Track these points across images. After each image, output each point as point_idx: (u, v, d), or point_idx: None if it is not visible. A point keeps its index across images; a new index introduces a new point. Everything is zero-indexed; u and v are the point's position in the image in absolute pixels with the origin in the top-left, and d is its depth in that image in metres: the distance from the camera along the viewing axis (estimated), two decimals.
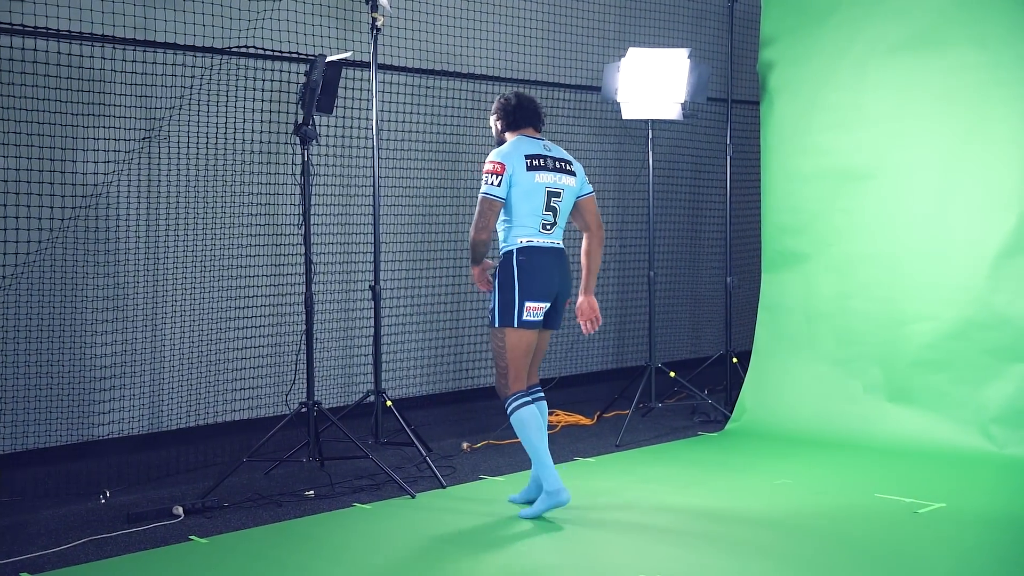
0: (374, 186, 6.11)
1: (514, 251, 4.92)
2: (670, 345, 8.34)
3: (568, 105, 7.76)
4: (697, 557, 4.47)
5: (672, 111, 6.87)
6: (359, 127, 6.77)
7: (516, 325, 4.91)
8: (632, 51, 6.76)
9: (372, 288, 6.15)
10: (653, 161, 7.12)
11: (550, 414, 7.19)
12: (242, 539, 4.77)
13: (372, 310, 6.23)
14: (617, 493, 5.47)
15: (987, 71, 6.14)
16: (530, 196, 4.90)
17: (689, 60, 6.79)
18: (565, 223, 5.07)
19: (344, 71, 6.40)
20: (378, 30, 5.97)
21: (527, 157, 4.93)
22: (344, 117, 6.70)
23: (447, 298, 7.30)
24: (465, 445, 6.41)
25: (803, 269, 6.91)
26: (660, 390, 7.32)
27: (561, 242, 5.03)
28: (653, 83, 6.76)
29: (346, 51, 6.25)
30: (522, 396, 4.98)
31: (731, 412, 7.00)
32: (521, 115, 5.05)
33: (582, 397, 7.60)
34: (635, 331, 8.23)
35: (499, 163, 4.89)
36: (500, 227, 5.01)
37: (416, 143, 7.09)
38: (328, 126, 6.62)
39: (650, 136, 7.02)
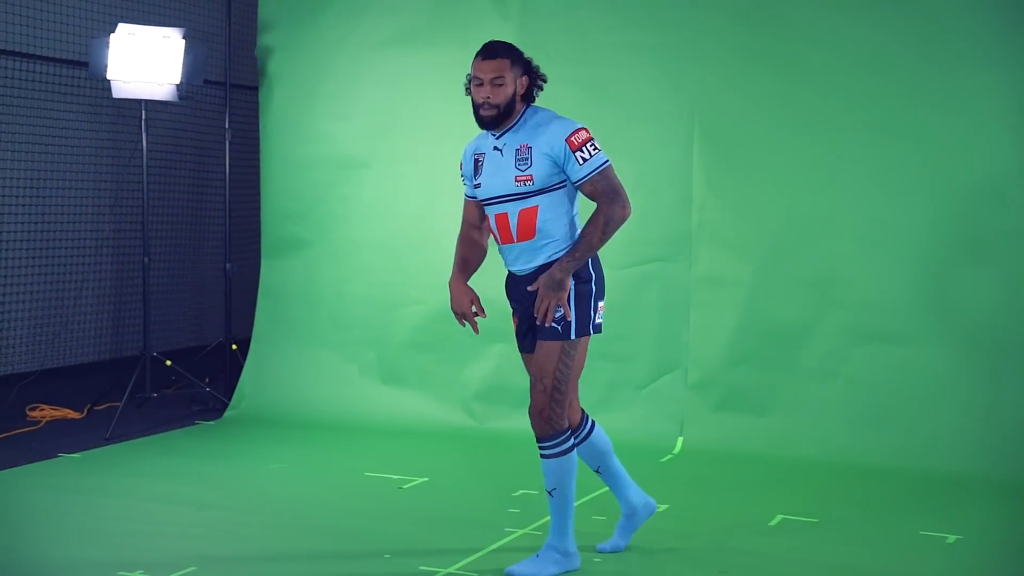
0: None
1: None
2: (169, 333, 8.09)
3: (52, 81, 7.24)
4: (179, 549, 4.37)
5: (167, 92, 6.66)
6: None
7: (592, 331, 4.06)
8: (122, 27, 6.46)
9: None
10: (148, 143, 6.87)
11: (33, 409, 6.73)
12: None
13: None
14: (106, 488, 5.23)
15: (467, 70, 6.52)
16: None
17: (185, 40, 6.61)
18: None
19: None
20: None
21: None
22: None
23: None
24: None
25: (303, 255, 6.99)
26: (159, 380, 7.08)
27: None
28: (146, 62, 6.51)
29: None
30: (571, 434, 4.08)
31: (230, 399, 6.93)
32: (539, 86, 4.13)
33: (72, 389, 7.17)
34: (131, 319, 7.89)
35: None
36: (559, 219, 4.01)
37: None
38: None
39: (143, 117, 6.76)
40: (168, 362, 6.93)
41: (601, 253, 6.27)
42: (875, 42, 5.81)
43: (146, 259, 6.89)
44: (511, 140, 4.02)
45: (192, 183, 8.33)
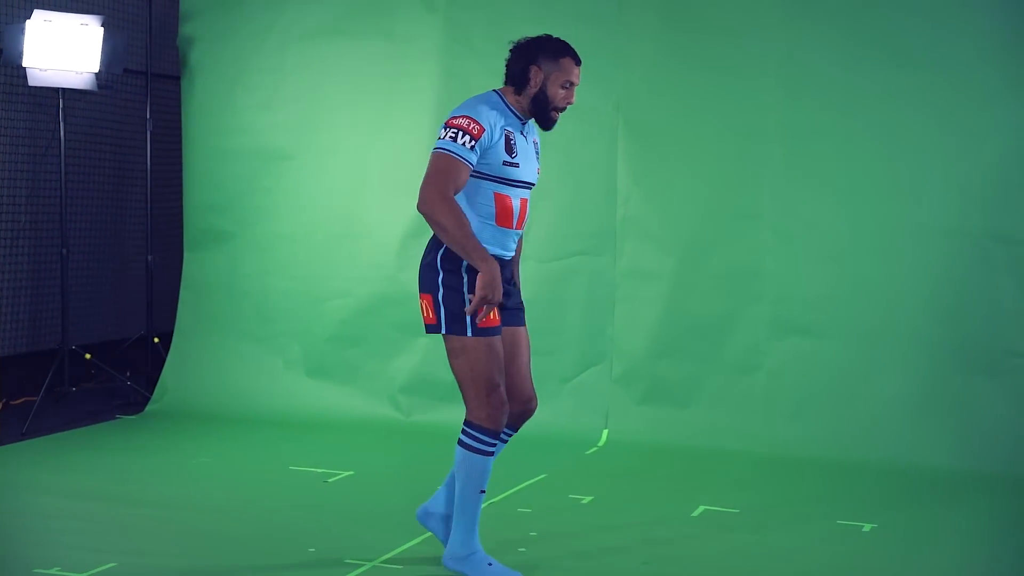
0: None
1: None
2: (89, 326, 7.94)
3: None
4: (99, 544, 4.30)
5: (85, 81, 6.54)
6: None
7: None
8: (38, 13, 6.33)
9: None
10: (67, 133, 6.74)
11: None
12: None
13: None
14: (22, 484, 5.14)
15: (393, 62, 6.53)
16: None
17: (103, 28, 6.50)
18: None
19: None
20: None
21: None
22: None
23: None
24: None
25: (226, 248, 6.92)
26: (78, 373, 6.96)
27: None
28: (63, 49, 6.39)
29: None
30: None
31: (152, 393, 6.84)
32: None
33: None
34: (49, 311, 7.73)
35: None
36: None
37: None
38: None
39: (61, 106, 6.63)
40: (88, 355, 6.81)
41: (528, 245, 6.37)
42: (796, 40, 5.91)
43: (64, 251, 6.77)
44: (529, 133, 3.98)
45: (113, 174, 8.18)
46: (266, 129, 6.80)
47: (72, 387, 6.80)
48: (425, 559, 4.17)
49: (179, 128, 7.14)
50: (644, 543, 4.42)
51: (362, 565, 4.10)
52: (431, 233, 3.87)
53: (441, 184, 3.71)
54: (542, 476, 5.36)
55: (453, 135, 3.73)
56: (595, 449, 5.97)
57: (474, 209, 3.81)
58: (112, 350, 7.44)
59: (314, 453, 5.79)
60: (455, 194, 3.75)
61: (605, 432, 6.12)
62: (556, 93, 3.87)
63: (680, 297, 6.12)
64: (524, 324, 4.03)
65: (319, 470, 5.44)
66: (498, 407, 3.80)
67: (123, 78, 7.49)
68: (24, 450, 5.79)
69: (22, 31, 6.26)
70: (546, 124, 3.92)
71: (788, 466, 5.60)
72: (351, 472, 5.42)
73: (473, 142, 3.72)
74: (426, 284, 3.84)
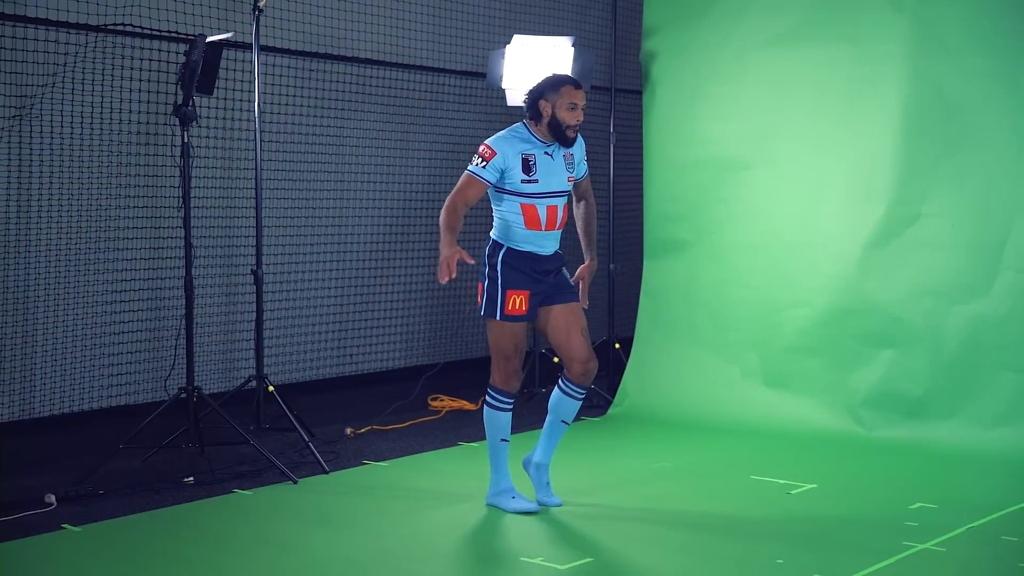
0: (256, 169, 6.02)
1: None
2: None
3: (454, 91, 7.76)
4: (577, 539, 4.54)
5: None
6: (241, 109, 6.67)
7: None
8: (517, 38, 6.80)
9: (254, 272, 6.08)
10: None
11: (434, 400, 7.21)
12: (117, 527, 4.67)
13: (254, 294, 6.15)
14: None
15: (857, 66, 6.33)
16: None
17: (573, 48, 6.86)
18: (496, 212, 4.84)
19: (225, 52, 6.29)
20: (260, 11, 5.88)
21: None
22: (226, 99, 6.59)
23: (331, 283, 7.25)
24: (349, 430, 6.39)
25: (684, 256, 7.03)
26: (546, 375, 7.38)
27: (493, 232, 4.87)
28: (538, 70, 6.80)
29: (227, 31, 6.14)
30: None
31: (613, 397, 7.11)
32: None
33: (467, 382, 7.62)
34: None
35: None
36: None
37: (299, 126, 7.01)
38: (209, 107, 6.50)
39: None
40: (556, 359, 7.18)
41: (1008, 254, 5.91)
42: None
43: None
44: (557, 148, 4.80)
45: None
46: (724, 139, 6.84)
47: (542, 388, 7.23)
48: None
49: (639, 140, 7.37)
50: None
51: None
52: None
53: (457, 194, 4.70)
54: None
55: (476, 160, 4.71)
56: None
57: (504, 215, 4.77)
58: None
59: (774, 463, 5.74)
60: (469, 201, 4.70)
61: None
62: (565, 115, 4.74)
63: None
64: (577, 300, 4.95)
65: (781, 481, 5.39)
66: (510, 375, 4.85)
67: (589, 94, 7.83)
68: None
69: (502, 55, 6.75)
70: (565, 142, 4.79)
71: None
72: (814, 485, 5.32)
73: (485, 163, 4.68)
74: (480, 274, 4.86)
